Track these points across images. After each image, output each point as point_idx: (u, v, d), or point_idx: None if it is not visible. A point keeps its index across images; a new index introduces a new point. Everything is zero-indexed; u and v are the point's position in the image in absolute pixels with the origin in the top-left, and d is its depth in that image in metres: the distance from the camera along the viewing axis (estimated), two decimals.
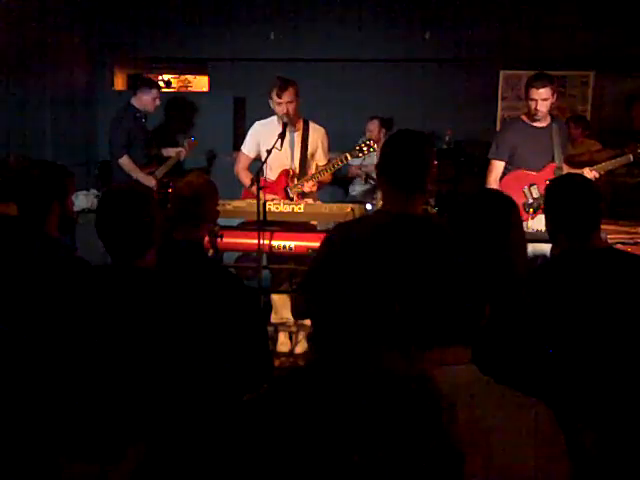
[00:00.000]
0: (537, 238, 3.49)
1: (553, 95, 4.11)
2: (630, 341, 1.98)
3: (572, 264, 2.13)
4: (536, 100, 4.08)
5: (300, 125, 4.34)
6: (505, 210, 2.12)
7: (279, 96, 4.13)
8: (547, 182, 4.11)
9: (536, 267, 2.21)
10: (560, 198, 2.21)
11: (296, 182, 4.29)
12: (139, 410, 1.80)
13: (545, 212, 2.28)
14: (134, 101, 5.42)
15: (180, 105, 6.81)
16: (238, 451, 0.73)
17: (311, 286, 2.15)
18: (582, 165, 4.43)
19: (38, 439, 1.81)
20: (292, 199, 4.26)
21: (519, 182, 4.20)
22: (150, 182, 5.26)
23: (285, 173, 4.32)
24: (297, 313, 2.29)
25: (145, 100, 5.41)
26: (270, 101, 4.20)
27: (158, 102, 5.52)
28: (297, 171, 4.33)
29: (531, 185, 4.19)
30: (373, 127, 6.06)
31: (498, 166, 4.30)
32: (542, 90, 4.05)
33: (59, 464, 1.75)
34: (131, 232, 1.92)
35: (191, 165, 6.06)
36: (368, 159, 6.02)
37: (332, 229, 2.32)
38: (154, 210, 1.99)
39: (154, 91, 5.46)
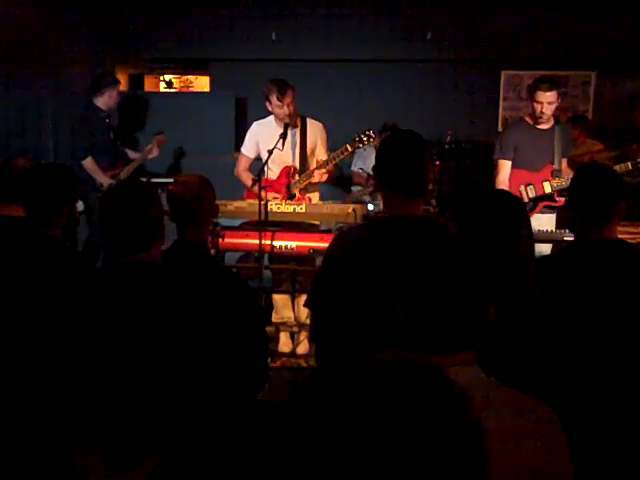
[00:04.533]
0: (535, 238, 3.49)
1: (558, 99, 4.11)
2: (635, 337, 1.99)
3: (581, 254, 2.18)
4: (542, 103, 4.06)
5: (298, 122, 4.34)
6: (516, 209, 2.12)
7: (280, 99, 4.14)
8: (543, 183, 4.16)
9: (546, 256, 2.27)
10: (582, 181, 2.30)
11: (297, 178, 4.29)
12: (148, 410, 1.79)
13: (567, 196, 2.39)
14: (98, 101, 5.11)
15: (181, 105, 6.80)
16: (245, 454, 0.72)
17: (319, 300, 2.14)
18: None
19: (53, 439, 1.80)
20: (294, 196, 4.25)
21: (516, 181, 4.20)
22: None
23: (286, 170, 4.32)
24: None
25: (112, 97, 5.13)
26: (268, 104, 4.21)
27: (119, 97, 5.26)
28: (298, 168, 4.33)
29: (527, 185, 4.19)
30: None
31: (505, 165, 4.28)
32: (549, 93, 4.04)
33: (74, 464, 1.74)
34: (139, 223, 1.91)
35: (194, 167, 6.02)
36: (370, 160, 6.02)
37: (334, 239, 2.31)
38: (159, 203, 2.00)
39: (118, 86, 5.22)
